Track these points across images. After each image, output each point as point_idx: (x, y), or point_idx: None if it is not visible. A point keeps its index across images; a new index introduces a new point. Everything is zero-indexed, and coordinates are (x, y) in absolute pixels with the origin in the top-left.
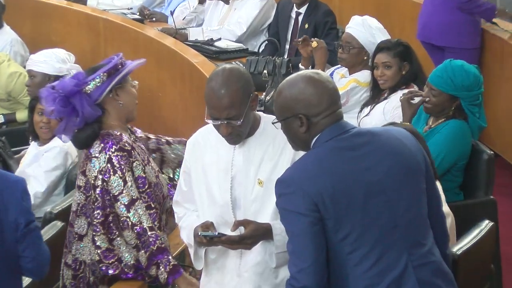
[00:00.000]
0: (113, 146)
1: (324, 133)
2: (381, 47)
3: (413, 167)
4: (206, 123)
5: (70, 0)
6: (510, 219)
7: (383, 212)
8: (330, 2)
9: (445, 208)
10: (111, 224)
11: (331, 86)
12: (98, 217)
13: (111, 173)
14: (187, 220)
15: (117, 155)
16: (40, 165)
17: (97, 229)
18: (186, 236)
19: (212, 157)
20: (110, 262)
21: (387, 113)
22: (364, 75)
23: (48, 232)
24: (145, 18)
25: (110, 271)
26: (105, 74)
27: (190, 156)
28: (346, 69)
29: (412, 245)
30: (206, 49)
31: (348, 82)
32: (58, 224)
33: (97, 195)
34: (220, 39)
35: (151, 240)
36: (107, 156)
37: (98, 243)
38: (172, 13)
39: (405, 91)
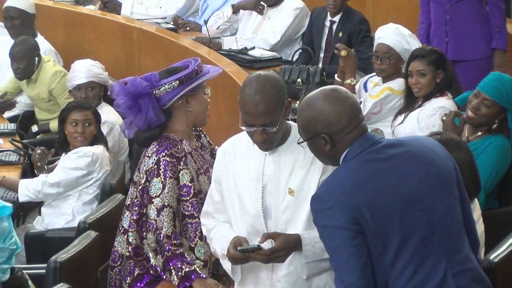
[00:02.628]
0: (165, 151)
1: (353, 147)
2: (416, 55)
3: (445, 174)
4: (239, 132)
5: (104, 9)
6: None
7: (420, 221)
8: (364, 10)
9: (477, 213)
10: (145, 223)
11: (349, 101)
12: (135, 213)
13: (155, 174)
14: (219, 232)
15: (165, 160)
16: (61, 161)
17: (132, 226)
18: (220, 247)
19: (243, 166)
20: (139, 259)
21: (421, 121)
22: (398, 83)
23: (82, 241)
24: (179, 28)
25: (136, 270)
26: (176, 81)
27: (221, 166)
28: (380, 77)
29: (450, 252)
30: (240, 58)
31: (381, 90)
32: (92, 233)
33: (138, 193)
34: (254, 48)
35: (166, 246)
36: (157, 158)
37: (130, 239)
38: (205, 22)
39: (440, 99)
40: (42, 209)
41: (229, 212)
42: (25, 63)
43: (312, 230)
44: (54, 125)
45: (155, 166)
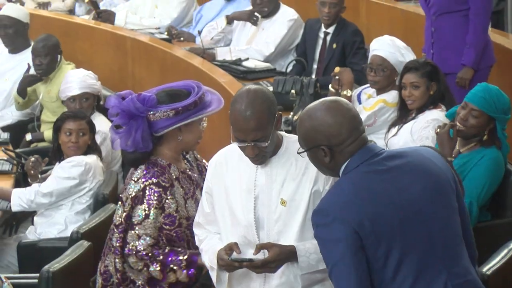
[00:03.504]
0: (152, 179)
1: (353, 159)
2: (409, 67)
3: (444, 186)
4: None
5: (98, 19)
6: None
7: (421, 233)
8: (358, 22)
9: None
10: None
11: (350, 113)
12: (119, 240)
13: (139, 202)
14: (209, 243)
15: (151, 188)
16: (54, 171)
17: (117, 252)
18: (208, 259)
19: (235, 177)
20: (127, 285)
21: (415, 133)
22: (391, 96)
23: (75, 251)
24: (172, 38)
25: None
26: (172, 111)
27: (212, 177)
28: (374, 89)
29: (450, 264)
30: (234, 69)
31: (375, 102)
32: (85, 243)
33: (122, 219)
34: (248, 59)
35: (154, 251)
36: (143, 186)
37: (117, 266)
38: (199, 33)
39: (434, 111)
40: (35, 218)
41: (219, 224)
42: (49, 59)
43: (306, 242)
44: (48, 134)
45: (141, 193)
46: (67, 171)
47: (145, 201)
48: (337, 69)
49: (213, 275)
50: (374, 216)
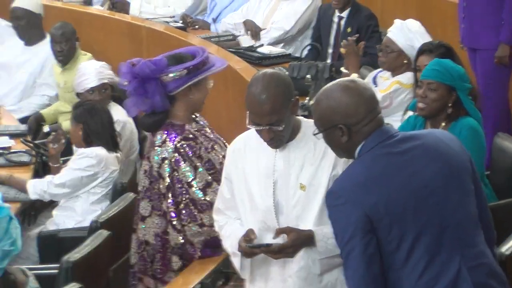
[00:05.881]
0: (178, 136)
1: (369, 140)
2: (423, 50)
3: (459, 168)
4: (249, 129)
5: (112, 9)
6: None
7: (434, 215)
8: (372, 5)
9: None
10: (183, 211)
11: (367, 93)
12: (171, 204)
13: (181, 161)
14: (230, 229)
15: (182, 144)
16: (69, 162)
17: (173, 215)
18: (230, 245)
19: (253, 162)
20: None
21: None
22: (407, 77)
23: (94, 241)
24: (187, 26)
25: (196, 254)
26: (185, 70)
27: (231, 163)
28: (389, 72)
29: (464, 246)
30: (249, 55)
31: (391, 84)
32: (104, 233)
33: (168, 185)
34: (262, 45)
35: None
36: (173, 146)
37: (178, 227)
38: (214, 20)
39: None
40: (53, 210)
41: (239, 209)
42: (69, 46)
43: (324, 226)
44: (66, 124)
45: (176, 154)
46: (77, 162)
47: (185, 158)
48: (342, 49)
49: (236, 261)
50: (387, 200)
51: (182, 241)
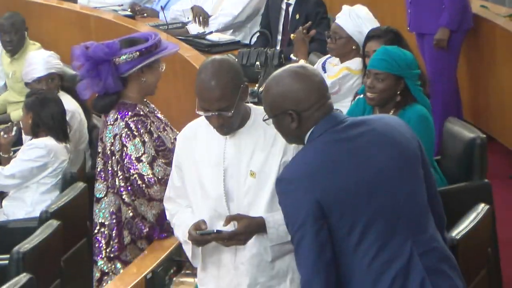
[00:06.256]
0: (129, 113)
1: (318, 126)
2: (371, 35)
3: (410, 154)
4: (199, 117)
5: None
6: (504, 203)
7: (385, 202)
8: None
9: None
10: (132, 186)
11: (318, 79)
12: (121, 179)
13: (130, 137)
14: (181, 217)
15: (133, 120)
16: (18, 153)
17: (122, 190)
18: (182, 233)
19: (203, 150)
20: (140, 219)
21: None
22: (355, 63)
23: (44, 231)
24: (136, 15)
25: (145, 229)
26: (137, 52)
27: (181, 150)
28: (338, 58)
29: (415, 232)
30: (198, 43)
31: (339, 70)
32: (54, 223)
33: (117, 159)
34: (211, 32)
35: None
36: (124, 122)
37: (127, 201)
38: (162, 8)
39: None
40: (3, 201)
41: (190, 197)
42: (19, 36)
43: (275, 213)
44: (14, 114)
45: (126, 130)
46: (27, 153)
47: (135, 133)
48: (292, 36)
49: (187, 249)
50: (337, 186)
51: (131, 214)
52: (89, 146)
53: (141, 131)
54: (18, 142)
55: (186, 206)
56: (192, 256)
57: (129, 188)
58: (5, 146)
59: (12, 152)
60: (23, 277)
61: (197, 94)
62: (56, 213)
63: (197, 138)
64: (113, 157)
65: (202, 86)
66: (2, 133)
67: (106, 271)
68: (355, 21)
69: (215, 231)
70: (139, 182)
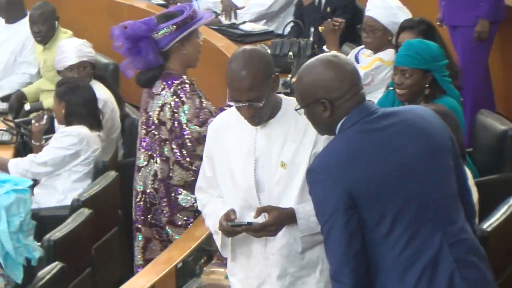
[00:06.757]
0: (175, 81)
1: (350, 116)
2: (404, 26)
3: (440, 145)
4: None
5: None
6: None
7: (415, 192)
8: None
9: (470, 182)
10: (186, 152)
11: (350, 68)
12: (175, 146)
13: (179, 104)
14: (212, 208)
15: (181, 88)
16: (51, 141)
17: (178, 157)
18: (212, 223)
19: (234, 140)
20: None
21: None
22: (388, 54)
23: (75, 219)
24: (169, 3)
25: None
26: (174, 26)
27: (212, 141)
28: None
29: (445, 223)
30: (231, 32)
31: (372, 61)
32: (86, 211)
33: (169, 128)
34: (244, 22)
35: None
36: (172, 90)
37: (186, 165)
38: None
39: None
40: (34, 189)
41: (221, 187)
42: (47, 27)
43: (305, 204)
44: (47, 103)
45: (175, 97)
46: (59, 141)
47: (184, 100)
48: (320, 28)
49: (217, 239)
50: (368, 176)
51: (192, 178)
52: (121, 135)
53: (189, 97)
54: (50, 130)
55: (217, 196)
56: (222, 246)
57: (184, 153)
58: (36, 134)
59: (44, 140)
60: (55, 266)
61: (228, 84)
62: (87, 201)
63: (228, 129)
64: (162, 126)
65: (233, 76)
66: (33, 121)
67: (149, 237)
68: (389, 11)
69: (246, 223)
70: (195, 145)
